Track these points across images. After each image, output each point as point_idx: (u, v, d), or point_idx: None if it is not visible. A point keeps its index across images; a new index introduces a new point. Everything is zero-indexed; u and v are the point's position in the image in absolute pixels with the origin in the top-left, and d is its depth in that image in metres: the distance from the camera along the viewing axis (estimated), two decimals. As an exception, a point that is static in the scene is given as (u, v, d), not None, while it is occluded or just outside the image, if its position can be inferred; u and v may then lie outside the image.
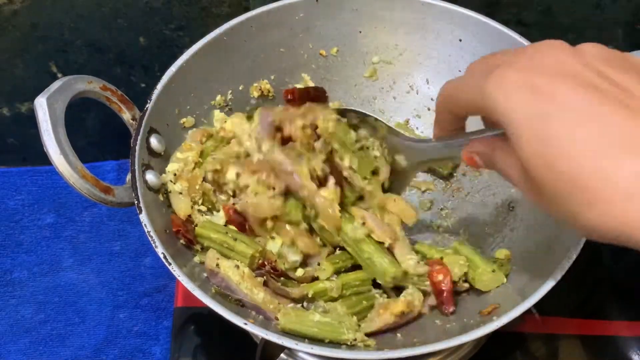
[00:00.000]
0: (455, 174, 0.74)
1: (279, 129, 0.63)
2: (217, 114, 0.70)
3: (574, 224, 0.39)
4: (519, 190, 0.45)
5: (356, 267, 0.63)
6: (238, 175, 0.62)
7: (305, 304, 0.61)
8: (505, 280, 0.60)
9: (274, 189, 0.60)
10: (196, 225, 0.62)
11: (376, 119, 0.64)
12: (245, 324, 0.52)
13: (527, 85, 0.39)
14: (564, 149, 0.37)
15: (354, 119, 0.65)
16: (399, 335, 0.60)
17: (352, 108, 0.67)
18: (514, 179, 0.44)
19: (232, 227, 0.63)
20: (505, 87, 0.40)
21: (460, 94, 0.46)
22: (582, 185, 0.37)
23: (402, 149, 0.62)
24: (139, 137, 0.61)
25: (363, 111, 0.65)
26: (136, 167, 0.60)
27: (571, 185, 0.37)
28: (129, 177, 0.60)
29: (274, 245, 0.62)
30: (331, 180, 0.62)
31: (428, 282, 0.60)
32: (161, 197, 0.63)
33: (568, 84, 0.38)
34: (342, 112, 0.64)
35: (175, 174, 0.63)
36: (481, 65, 0.45)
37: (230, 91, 0.72)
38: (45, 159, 0.55)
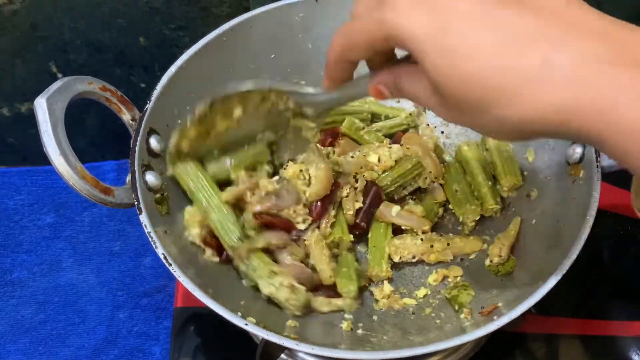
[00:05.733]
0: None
1: None
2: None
3: (493, 127, 0.40)
4: (429, 109, 0.45)
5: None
6: None
7: None
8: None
9: None
10: None
11: (270, 89, 0.59)
12: (246, 324, 0.52)
13: (423, 3, 0.39)
14: (469, 54, 0.38)
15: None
16: (399, 335, 0.60)
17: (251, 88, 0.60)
18: (422, 98, 0.44)
19: None
20: (402, 10, 0.40)
21: (358, 36, 0.44)
22: (491, 84, 0.38)
23: (308, 103, 0.58)
24: (139, 138, 0.61)
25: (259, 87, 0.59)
26: (136, 167, 0.60)
27: (481, 87, 0.38)
28: (128, 177, 0.60)
29: None
30: None
31: None
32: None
33: None
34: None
35: None
36: (366, 3, 0.44)
37: (230, 91, 0.72)
38: (45, 159, 0.55)
